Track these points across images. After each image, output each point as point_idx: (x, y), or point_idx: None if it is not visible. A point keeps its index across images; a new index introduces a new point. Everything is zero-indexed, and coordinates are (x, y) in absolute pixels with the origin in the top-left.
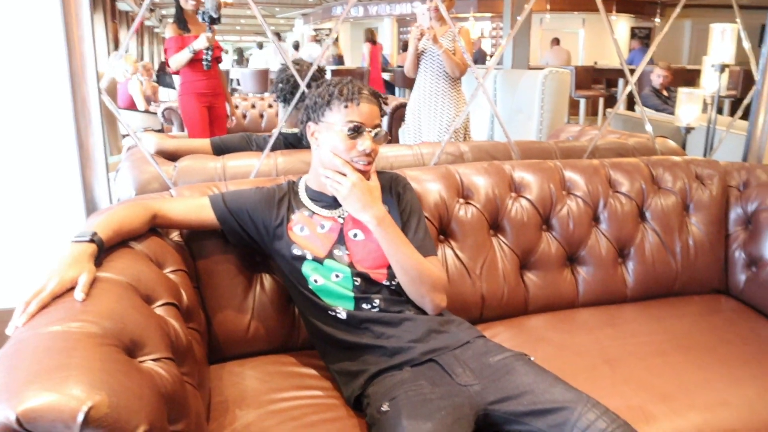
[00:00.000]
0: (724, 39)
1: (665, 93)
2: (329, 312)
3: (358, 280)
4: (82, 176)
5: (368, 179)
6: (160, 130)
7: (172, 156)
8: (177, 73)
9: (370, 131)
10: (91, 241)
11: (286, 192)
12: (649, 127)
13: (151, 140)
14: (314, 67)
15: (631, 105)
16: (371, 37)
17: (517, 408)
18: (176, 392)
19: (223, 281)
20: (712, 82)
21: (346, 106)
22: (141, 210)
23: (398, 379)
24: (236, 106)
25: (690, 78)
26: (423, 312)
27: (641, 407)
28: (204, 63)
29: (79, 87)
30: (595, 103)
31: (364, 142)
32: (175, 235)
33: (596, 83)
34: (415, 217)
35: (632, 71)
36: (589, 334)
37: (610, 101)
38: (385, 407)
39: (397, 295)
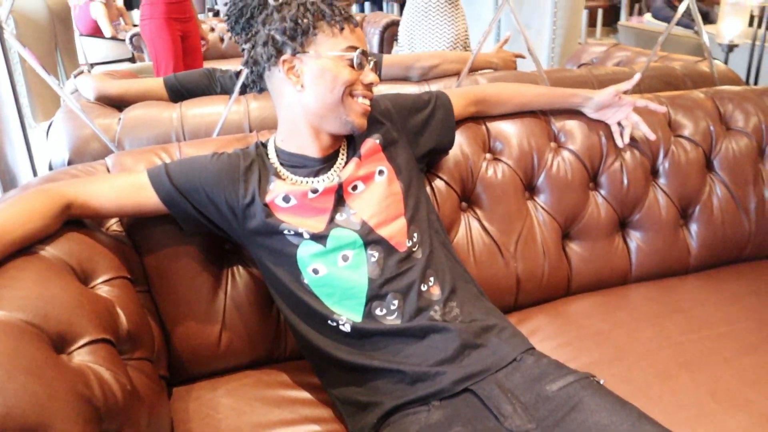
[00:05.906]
0: None
1: (676, 3)
2: (328, 322)
3: (375, 253)
4: None
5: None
6: (131, 59)
7: (118, 102)
8: None
9: (370, 61)
10: None
11: (254, 158)
12: (706, 39)
13: (89, 84)
14: None
15: (633, 15)
16: None
17: None
18: None
19: (182, 281)
20: None
21: (342, 29)
22: (44, 201)
23: (423, 422)
24: (212, 29)
25: None
26: (455, 317)
27: None
28: None
29: None
30: (593, 14)
31: (369, 74)
32: (113, 224)
33: None
34: (423, 103)
35: None
36: (652, 325)
37: (611, 12)
38: None
39: (422, 272)
